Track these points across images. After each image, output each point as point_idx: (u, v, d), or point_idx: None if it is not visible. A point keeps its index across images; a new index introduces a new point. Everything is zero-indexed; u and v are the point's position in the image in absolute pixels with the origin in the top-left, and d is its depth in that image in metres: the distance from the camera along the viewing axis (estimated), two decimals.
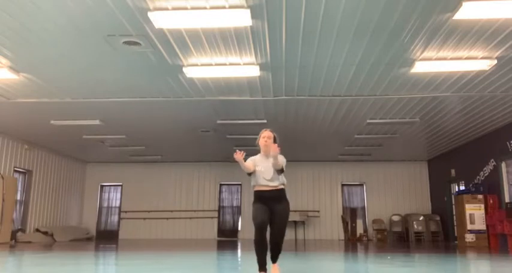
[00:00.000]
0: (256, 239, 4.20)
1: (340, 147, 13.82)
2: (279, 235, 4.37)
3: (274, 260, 4.43)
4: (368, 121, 10.32)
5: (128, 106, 9.24)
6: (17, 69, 7.18)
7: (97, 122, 10.40)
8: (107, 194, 17.36)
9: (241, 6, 5.08)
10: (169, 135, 12.24)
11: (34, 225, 13.66)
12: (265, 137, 4.48)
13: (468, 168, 12.60)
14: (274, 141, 4.45)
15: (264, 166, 4.39)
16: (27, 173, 13.48)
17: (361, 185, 16.75)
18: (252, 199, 4.50)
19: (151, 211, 16.55)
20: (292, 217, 15.08)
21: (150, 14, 5.21)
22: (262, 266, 4.23)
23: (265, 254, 4.26)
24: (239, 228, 16.47)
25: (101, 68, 7.15)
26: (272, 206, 4.34)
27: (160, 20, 5.34)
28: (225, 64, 6.91)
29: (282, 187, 4.44)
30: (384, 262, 6.65)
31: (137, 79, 7.71)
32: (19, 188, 13.11)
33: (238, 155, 4.15)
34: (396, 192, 16.33)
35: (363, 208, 16.50)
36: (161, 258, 7.06)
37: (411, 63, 6.83)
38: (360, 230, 15.69)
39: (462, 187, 13.23)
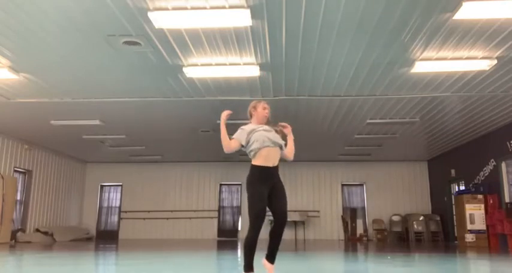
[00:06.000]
0: (253, 236, 3.74)
1: (340, 147, 13.81)
2: (284, 218, 3.87)
3: (273, 258, 3.96)
4: (368, 121, 10.32)
5: (128, 106, 9.24)
6: (17, 69, 7.18)
7: (97, 122, 10.40)
8: (107, 194, 17.36)
9: (241, 6, 5.08)
10: (169, 135, 12.24)
11: (34, 225, 13.66)
12: (266, 108, 4.10)
13: (468, 168, 12.60)
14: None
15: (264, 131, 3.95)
16: (27, 173, 13.48)
17: (361, 185, 16.74)
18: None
19: (151, 211, 16.55)
20: (292, 217, 15.10)
21: (150, 14, 5.21)
22: (251, 266, 3.87)
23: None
24: (239, 228, 16.48)
25: (101, 68, 7.15)
26: (275, 182, 3.90)
27: (160, 20, 5.34)
28: (225, 64, 6.92)
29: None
30: (384, 262, 6.65)
31: (137, 79, 7.71)
32: (19, 188, 13.11)
33: (225, 114, 3.86)
34: (396, 192, 16.32)
35: (363, 208, 16.49)
36: (161, 258, 7.06)
37: (411, 63, 6.84)
38: (360, 230, 15.68)
39: (462, 187, 13.23)
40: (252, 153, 3.95)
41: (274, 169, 3.95)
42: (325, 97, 8.66)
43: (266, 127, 4.04)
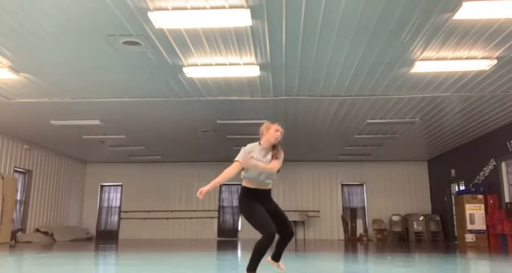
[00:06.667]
0: (267, 245, 3.90)
1: (340, 147, 13.81)
2: (290, 225, 4.22)
3: (280, 258, 4.34)
4: (368, 121, 10.32)
5: (128, 106, 9.24)
6: (17, 69, 7.18)
7: (97, 122, 10.40)
8: (107, 194, 17.36)
9: (241, 6, 5.08)
10: (169, 135, 12.24)
11: (34, 225, 13.66)
12: (278, 131, 4.10)
13: (468, 168, 12.59)
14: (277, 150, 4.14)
15: (264, 162, 4.05)
16: (27, 173, 13.48)
17: (361, 185, 16.74)
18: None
19: (151, 211, 16.55)
20: (292, 217, 15.11)
21: (150, 14, 5.21)
22: (256, 268, 4.00)
23: None
24: (239, 228, 16.48)
25: (101, 68, 7.15)
26: (267, 204, 4.12)
27: (160, 20, 5.34)
28: (225, 64, 6.92)
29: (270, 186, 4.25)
30: (384, 262, 6.65)
31: (137, 79, 7.71)
32: (19, 188, 13.11)
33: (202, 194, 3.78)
34: (396, 192, 16.32)
35: (363, 208, 16.49)
36: (161, 258, 7.06)
37: (411, 63, 6.83)
38: (360, 230, 15.69)
39: (462, 187, 13.23)
40: (243, 177, 4.14)
41: (267, 192, 4.18)
42: (325, 97, 8.66)
43: (264, 157, 4.08)
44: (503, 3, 4.95)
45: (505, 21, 5.44)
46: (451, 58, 6.64)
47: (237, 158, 4.02)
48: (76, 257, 7.56)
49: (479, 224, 11.42)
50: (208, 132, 11.61)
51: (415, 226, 15.00)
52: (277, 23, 5.53)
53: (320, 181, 16.64)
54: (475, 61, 6.70)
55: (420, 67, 6.92)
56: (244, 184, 4.14)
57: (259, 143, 4.17)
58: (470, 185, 12.30)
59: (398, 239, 15.39)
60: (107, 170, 17.12)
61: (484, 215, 11.39)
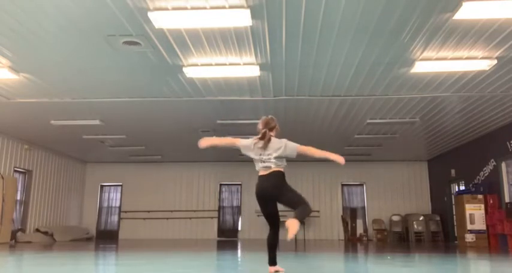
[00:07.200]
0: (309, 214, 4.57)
1: (340, 147, 13.78)
2: None
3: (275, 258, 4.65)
4: (368, 121, 10.32)
5: (128, 106, 9.24)
6: (17, 69, 7.18)
7: (97, 122, 10.40)
8: (107, 194, 17.36)
9: (241, 6, 5.09)
10: (169, 135, 12.24)
11: (34, 225, 13.66)
12: None
13: (468, 168, 12.59)
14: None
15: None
16: (27, 173, 13.48)
17: (361, 185, 16.74)
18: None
19: (151, 211, 16.55)
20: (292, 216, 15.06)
21: (150, 14, 5.21)
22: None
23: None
24: (239, 228, 16.47)
25: (101, 68, 7.15)
26: None
27: (160, 20, 5.35)
28: (225, 64, 6.92)
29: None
30: (384, 262, 6.65)
31: (137, 79, 7.71)
32: (19, 188, 13.11)
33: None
34: (396, 192, 16.32)
35: (363, 208, 16.49)
36: (161, 258, 7.06)
37: (411, 63, 6.84)
38: (360, 230, 15.67)
39: (462, 187, 13.23)
40: (285, 163, 4.66)
41: None
42: (325, 97, 8.66)
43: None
44: (503, 3, 4.95)
45: (505, 21, 5.44)
46: (451, 58, 6.65)
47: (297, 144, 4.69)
48: (76, 257, 7.56)
49: (479, 224, 11.42)
50: (208, 132, 11.61)
51: (415, 226, 15.00)
52: (277, 23, 5.53)
53: (320, 181, 16.63)
54: (475, 61, 6.70)
55: (420, 67, 6.92)
56: (284, 170, 4.70)
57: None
58: (470, 185, 12.30)
59: (399, 239, 15.39)
60: (107, 170, 17.12)
61: (484, 215, 11.39)
